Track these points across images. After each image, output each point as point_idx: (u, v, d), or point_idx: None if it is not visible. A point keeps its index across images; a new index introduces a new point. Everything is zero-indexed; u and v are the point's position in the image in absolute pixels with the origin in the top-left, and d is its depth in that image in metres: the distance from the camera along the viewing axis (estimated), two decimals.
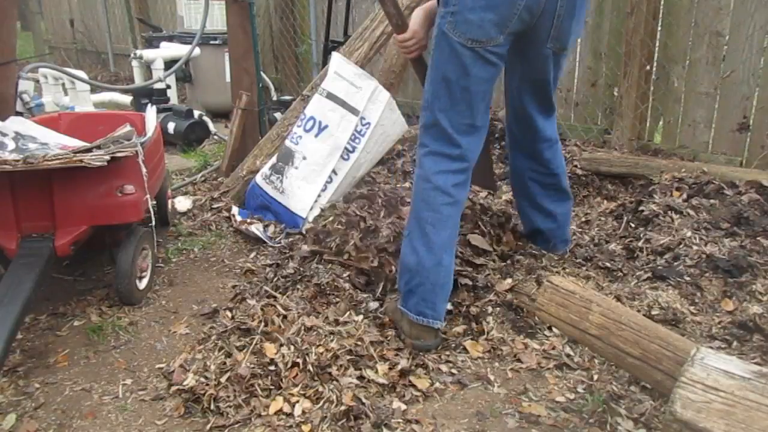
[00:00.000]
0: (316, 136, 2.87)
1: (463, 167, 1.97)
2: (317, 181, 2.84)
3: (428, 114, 1.95)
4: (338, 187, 2.89)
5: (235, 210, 3.05)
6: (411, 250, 1.95)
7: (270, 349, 1.87)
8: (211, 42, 5.09)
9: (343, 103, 2.86)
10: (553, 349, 1.99)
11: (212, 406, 1.73)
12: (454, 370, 1.91)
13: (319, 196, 2.85)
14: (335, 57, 2.99)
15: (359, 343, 1.92)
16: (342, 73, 2.88)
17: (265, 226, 2.88)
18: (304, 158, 2.87)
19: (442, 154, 1.94)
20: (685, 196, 2.70)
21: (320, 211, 2.83)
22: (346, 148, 2.86)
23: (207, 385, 1.78)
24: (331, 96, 2.88)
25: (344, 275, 2.26)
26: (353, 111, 2.85)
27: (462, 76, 1.87)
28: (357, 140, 2.87)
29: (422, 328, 1.95)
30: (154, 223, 2.37)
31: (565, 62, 2.13)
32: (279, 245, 2.72)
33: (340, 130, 2.85)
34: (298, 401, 1.72)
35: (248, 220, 2.94)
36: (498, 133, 3.72)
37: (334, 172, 2.87)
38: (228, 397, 1.74)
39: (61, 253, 2.14)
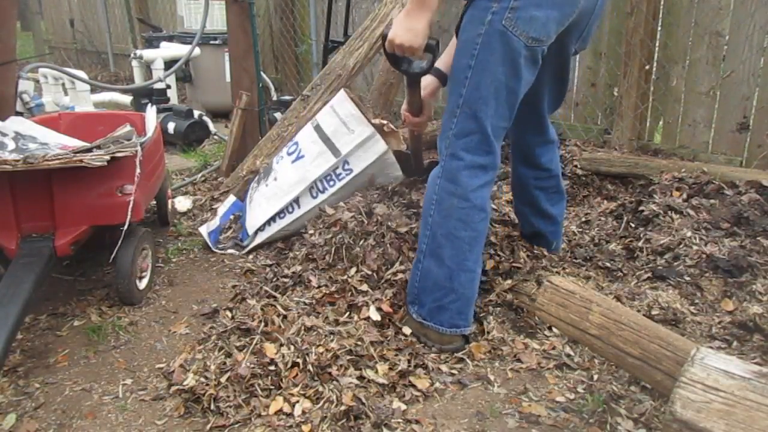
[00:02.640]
0: (293, 162, 2.77)
1: (493, 177, 1.92)
2: (275, 205, 2.72)
3: (468, 121, 1.82)
4: (297, 219, 2.72)
5: (231, 199, 3.05)
6: (442, 267, 1.90)
7: (270, 349, 1.87)
8: (211, 42, 5.09)
9: (326, 140, 2.70)
10: (553, 349, 1.99)
11: (212, 406, 1.73)
12: (454, 370, 1.91)
13: (273, 219, 2.74)
14: (341, 92, 2.80)
15: (359, 343, 1.92)
16: (338, 110, 2.72)
17: (227, 228, 2.91)
18: (275, 179, 2.79)
19: (479, 166, 1.86)
20: (685, 196, 2.70)
21: (260, 242, 2.76)
22: (316, 186, 2.69)
23: (207, 385, 1.78)
24: (318, 129, 2.76)
25: (342, 278, 2.26)
26: (334, 151, 2.67)
27: (513, 77, 1.78)
28: (332, 182, 2.68)
29: (453, 336, 1.97)
30: (127, 225, 2.25)
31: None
32: (223, 253, 2.79)
33: (313, 165, 2.69)
34: (298, 401, 1.72)
35: (218, 216, 3.00)
36: None
37: (297, 203, 2.72)
38: (228, 397, 1.74)
39: (61, 253, 2.14)
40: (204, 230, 2.94)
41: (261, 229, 2.77)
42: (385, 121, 2.81)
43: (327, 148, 2.70)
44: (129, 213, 2.18)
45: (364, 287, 2.18)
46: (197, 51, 4.67)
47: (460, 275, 1.90)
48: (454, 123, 1.85)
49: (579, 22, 1.88)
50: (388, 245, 2.29)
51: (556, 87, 2.13)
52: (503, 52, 1.75)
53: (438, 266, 1.90)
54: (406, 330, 2.03)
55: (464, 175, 1.85)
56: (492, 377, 1.88)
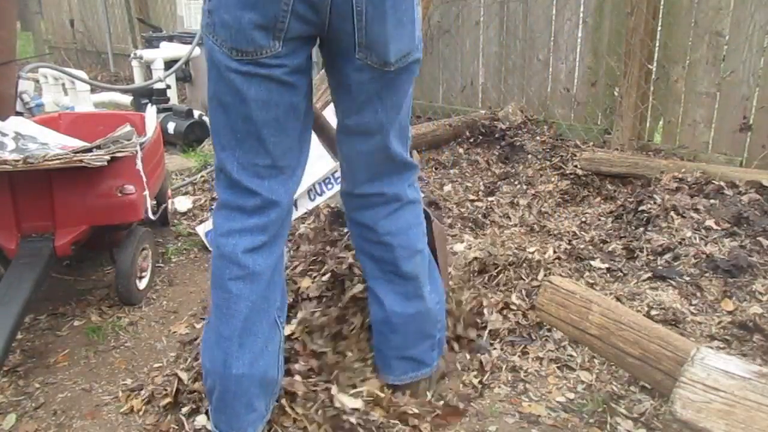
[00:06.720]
0: None
1: (262, 223, 1.43)
2: None
3: (216, 155, 1.44)
4: (294, 221, 2.73)
5: None
6: (205, 339, 1.49)
7: None
8: None
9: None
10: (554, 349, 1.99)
11: None
12: None
13: None
14: None
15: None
16: None
17: None
18: None
19: (235, 207, 1.42)
20: (685, 196, 2.70)
21: None
22: (314, 189, 2.73)
23: None
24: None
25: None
26: (334, 156, 2.70)
27: (237, 100, 1.33)
28: (330, 185, 2.72)
29: None
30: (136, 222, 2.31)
31: (409, 88, 1.50)
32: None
33: (311, 169, 2.70)
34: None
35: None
36: (498, 134, 3.73)
37: (295, 206, 2.70)
38: None
39: (61, 253, 2.14)
40: (201, 229, 2.93)
41: None
42: None
43: (326, 151, 2.70)
44: (148, 208, 2.25)
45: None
46: (197, 51, 4.67)
47: (214, 353, 1.44)
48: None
49: (337, 22, 1.33)
50: None
51: (365, 130, 1.50)
52: (216, 68, 1.34)
53: (204, 337, 1.49)
54: None
55: (218, 215, 1.46)
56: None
